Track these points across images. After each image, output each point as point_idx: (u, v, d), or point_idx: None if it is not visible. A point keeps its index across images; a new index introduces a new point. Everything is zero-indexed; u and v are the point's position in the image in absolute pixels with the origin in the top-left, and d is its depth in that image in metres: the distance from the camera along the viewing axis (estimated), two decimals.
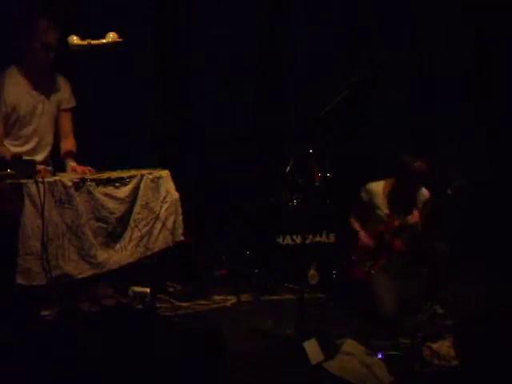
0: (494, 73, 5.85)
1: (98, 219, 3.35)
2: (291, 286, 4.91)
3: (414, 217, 4.32)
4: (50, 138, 3.83)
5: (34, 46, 3.60)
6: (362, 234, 4.38)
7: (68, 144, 3.88)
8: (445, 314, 4.18)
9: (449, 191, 4.19)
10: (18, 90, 3.65)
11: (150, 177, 3.69)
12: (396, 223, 4.32)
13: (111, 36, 3.61)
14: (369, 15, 6.00)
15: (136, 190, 3.60)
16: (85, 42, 3.55)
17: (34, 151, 3.73)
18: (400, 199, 4.34)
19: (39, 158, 3.73)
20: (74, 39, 3.55)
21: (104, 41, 3.59)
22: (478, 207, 5.70)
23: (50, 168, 3.37)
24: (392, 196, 4.35)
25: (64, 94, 3.86)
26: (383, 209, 4.36)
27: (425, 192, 4.35)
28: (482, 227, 5.65)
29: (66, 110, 3.88)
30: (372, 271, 4.29)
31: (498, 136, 5.93)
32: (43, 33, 3.60)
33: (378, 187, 4.38)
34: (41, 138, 3.76)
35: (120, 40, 3.61)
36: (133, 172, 3.65)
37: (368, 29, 6.03)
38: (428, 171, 4.27)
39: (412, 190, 4.33)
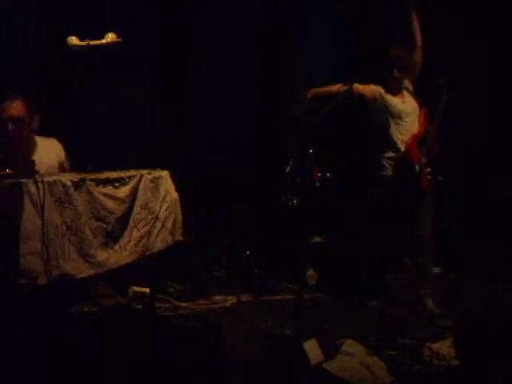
0: None
1: (97, 219, 3.35)
2: (291, 286, 4.92)
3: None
4: None
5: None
6: None
7: None
8: (444, 314, 4.18)
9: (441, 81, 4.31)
10: None
11: (150, 177, 3.69)
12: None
13: (110, 36, 3.61)
14: (368, 15, 6.01)
15: (135, 189, 3.60)
16: (84, 43, 3.56)
17: None
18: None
19: None
20: (74, 39, 3.55)
21: (104, 41, 3.59)
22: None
23: None
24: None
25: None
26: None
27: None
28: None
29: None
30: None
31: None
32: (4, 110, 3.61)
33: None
34: None
35: (119, 40, 3.61)
36: (132, 172, 3.65)
37: (368, 29, 6.05)
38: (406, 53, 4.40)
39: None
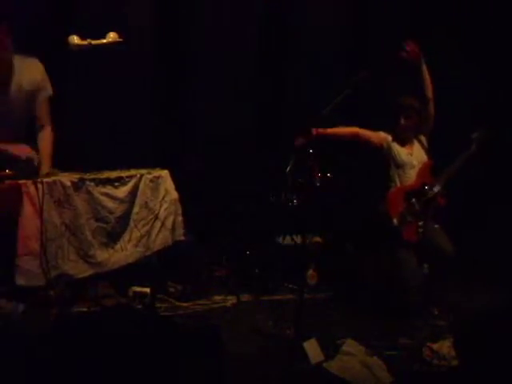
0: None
1: (97, 219, 3.35)
2: (291, 285, 4.91)
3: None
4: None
5: None
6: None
7: None
8: (444, 314, 4.18)
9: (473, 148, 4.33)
10: None
11: (149, 176, 3.70)
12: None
13: (111, 36, 3.60)
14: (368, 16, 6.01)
15: (135, 189, 3.60)
16: (85, 42, 3.55)
17: None
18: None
19: None
20: (75, 39, 3.54)
21: (104, 41, 3.58)
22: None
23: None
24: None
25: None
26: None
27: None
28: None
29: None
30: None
31: None
32: None
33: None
34: None
35: (120, 40, 3.61)
36: (132, 172, 3.65)
37: (368, 30, 6.04)
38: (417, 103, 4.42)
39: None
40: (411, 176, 4.44)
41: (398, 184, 4.47)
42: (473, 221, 5.57)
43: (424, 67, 4.39)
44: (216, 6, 5.63)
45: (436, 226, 4.38)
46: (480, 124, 4.47)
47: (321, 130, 4.23)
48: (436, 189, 4.33)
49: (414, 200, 4.33)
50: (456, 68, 5.57)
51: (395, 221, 4.31)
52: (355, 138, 4.58)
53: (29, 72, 3.72)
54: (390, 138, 4.51)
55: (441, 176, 4.40)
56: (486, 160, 4.68)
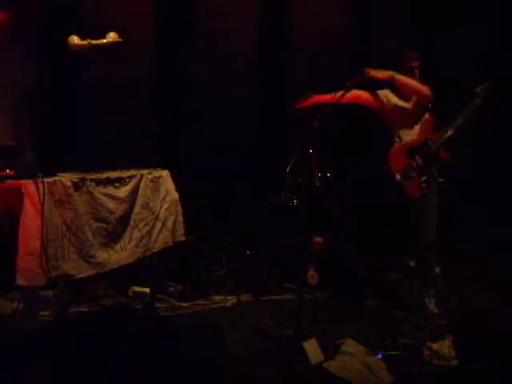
0: None
1: (97, 219, 3.35)
2: (291, 285, 4.92)
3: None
4: None
5: None
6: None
7: None
8: (443, 314, 4.18)
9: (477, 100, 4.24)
10: None
11: (150, 177, 3.70)
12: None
13: (111, 36, 3.61)
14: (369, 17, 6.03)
15: (136, 189, 3.60)
16: (85, 42, 3.55)
17: None
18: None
19: None
20: (75, 39, 3.54)
21: (104, 41, 3.59)
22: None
23: None
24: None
25: None
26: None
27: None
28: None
29: None
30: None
31: None
32: None
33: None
34: None
35: (120, 40, 3.61)
36: (132, 172, 3.65)
37: (369, 29, 6.06)
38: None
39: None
40: (415, 131, 4.40)
41: (402, 140, 4.45)
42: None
43: (398, 80, 4.30)
44: (216, 7, 5.63)
45: (440, 179, 4.34)
46: (484, 78, 4.42)
47: (316, 97, 4.22)
48: (436, 144, 4.30)
49: (416, 156, 4.33)
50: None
51: (398, 176, 4.33)
52: (356, 99, 4.49)
53: None
54: (389, 92, 4.48)
55: (444, 131, 4.38)
56: (491, 114, 4.63)
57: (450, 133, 4.30)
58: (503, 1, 5.87)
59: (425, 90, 4.29)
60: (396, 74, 4.25)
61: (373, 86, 4.44)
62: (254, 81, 5.84)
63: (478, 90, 4.28)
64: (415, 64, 4.36)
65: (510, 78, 5.62)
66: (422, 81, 4.35)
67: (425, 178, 4.28)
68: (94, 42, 3.55)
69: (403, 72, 4.32)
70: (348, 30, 6.04)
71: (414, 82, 4.30)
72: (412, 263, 4.72)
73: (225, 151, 5.41)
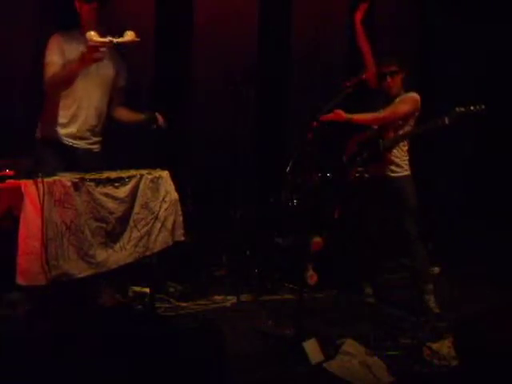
0: None
1: (97, 219, 3.35)
2: (291, 285, 4.92)
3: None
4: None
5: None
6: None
7: None
8: (443, 314, 4.18)
9: (446, 120, 4.18)
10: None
11: (150, 177, 3.69)
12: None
13: (129, 34, 3.52)
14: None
15: (135, 189, 3.60)
16: (106, 40, 3.46)
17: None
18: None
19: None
20: (93, 35, 3.45)
21: (125, 39, 3.49)
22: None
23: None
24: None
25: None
26: None
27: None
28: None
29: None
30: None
31: None
32: None
33: None
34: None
35: (138, 39, 3.52)
36: (132, 172, 3.65)
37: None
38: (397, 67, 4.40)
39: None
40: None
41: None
42: None
43: (356, 121, 4.34)
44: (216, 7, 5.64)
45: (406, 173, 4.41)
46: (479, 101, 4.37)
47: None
48: (385, 144, 4.40)
49: (363, 150, 4.54)
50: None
51: (344, 158, 4.61)
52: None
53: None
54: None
55: (401, 136, 4.40)
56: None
57: (404, 140, 4.43)
58: (503, 1, 5.87)
59: (384, 117, 4.37)
60: (351, 116, 4.30)
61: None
62: (253, 81, 5.84)
63: (457, 109, 4.17)
64: (387, 70, 4.41)
65: (510, 79, 5.63)
66: (402, 87, 4.43)
67: (360, 169, 4.50)
68: (115, 39, 3.42)
69: (378, 77, 4.45)
70: (348, 29, 6.04)
71: (369, 117, 4.42)
72: (406, 260, 4.75)
73: (225, 151, 5.41)
